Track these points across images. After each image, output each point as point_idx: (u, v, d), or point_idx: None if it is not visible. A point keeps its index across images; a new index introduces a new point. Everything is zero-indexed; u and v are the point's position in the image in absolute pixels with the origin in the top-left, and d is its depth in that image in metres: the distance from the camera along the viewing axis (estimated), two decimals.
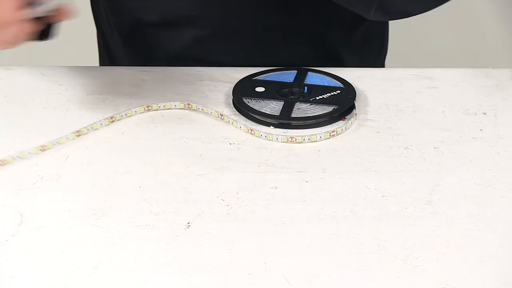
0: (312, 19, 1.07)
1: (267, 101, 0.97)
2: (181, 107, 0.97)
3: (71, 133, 0.91)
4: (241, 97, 0.98)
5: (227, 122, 0.93)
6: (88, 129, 0.92)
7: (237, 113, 0.97)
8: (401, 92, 1.01)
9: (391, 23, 1.24)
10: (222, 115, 0.94)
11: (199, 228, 0.78)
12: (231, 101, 0.99)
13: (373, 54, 1.21)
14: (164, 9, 1.07)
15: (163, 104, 0.97)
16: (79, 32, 1.56)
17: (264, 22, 1.06)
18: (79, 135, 0.92)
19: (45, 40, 0.93)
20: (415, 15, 0.98)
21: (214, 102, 0.99)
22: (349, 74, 1.03)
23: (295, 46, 1.09)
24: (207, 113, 0.96)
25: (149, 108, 0.96)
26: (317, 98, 0.97)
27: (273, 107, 0.96)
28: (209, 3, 1.05)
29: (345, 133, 0.93)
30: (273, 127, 0.94)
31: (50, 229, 0.78)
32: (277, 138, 0.90)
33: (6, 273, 0.73)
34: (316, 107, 0.96)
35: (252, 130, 0.90)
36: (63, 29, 0.96)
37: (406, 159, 0.88)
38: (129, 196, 0.83)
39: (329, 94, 0.98)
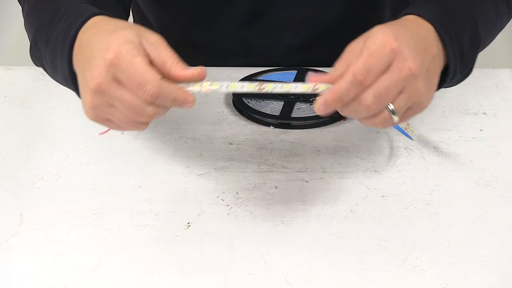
0: None
1: (267, 101, 0.97)
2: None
3: None
4: (241, 97, 0.98)
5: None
6: None
7: (237, 113, 0.97)
8: None
9: None
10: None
11: (199, 228, 0.78)
12: (231, 101, 0.99)
13: None
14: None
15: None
16: None
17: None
18: None
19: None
20: None
21: (214, 102, 0.99)
22: None
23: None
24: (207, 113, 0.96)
25: None
26: (317, 98, 0.97)
27: (273, 107, 0.96)
28: None
29: (345, 133, 0.93)
30: (273, 127, 0.94)
31: (50, 229, 0.78)
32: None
33: (6, 273, 0.73)
34: None
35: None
36: None
37: (406, 159, 0.88)
38: (129, 196, 0.83)
39: None
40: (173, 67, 0.69)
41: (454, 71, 0.78)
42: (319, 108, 0.70)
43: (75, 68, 0.75)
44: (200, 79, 0.70)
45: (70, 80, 0.75)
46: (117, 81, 0.69)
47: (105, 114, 0.71)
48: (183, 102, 0.70)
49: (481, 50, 0.86)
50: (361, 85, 0.68)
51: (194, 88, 0.70)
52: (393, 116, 0.70)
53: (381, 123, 0.71)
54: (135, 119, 0.71)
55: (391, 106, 0.70)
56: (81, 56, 0.73)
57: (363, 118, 0.71)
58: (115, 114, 0.71)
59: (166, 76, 0.69)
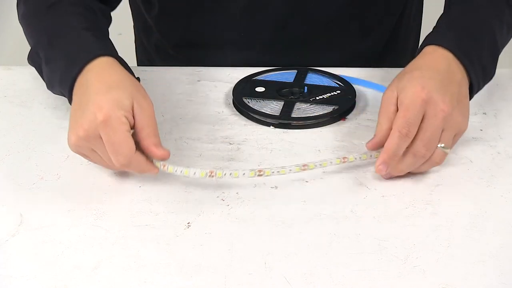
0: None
1: (267, 101, 0.97)
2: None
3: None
4: (241, 97, 0.98)
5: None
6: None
7: (237, 113, 0.97)
8: None
9: None
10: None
11: (199, 228, 0.78)
12: (231, 101, 0.99)
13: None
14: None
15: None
16: None
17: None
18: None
19: None
20: None
21: (214, 102, 0.99)
22: (349, 74, 1.03)
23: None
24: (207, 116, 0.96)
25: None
26: (317, 98, 0.97)
27: (273, 107, 0.96)
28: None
29: (345, 133, 0.93)
30: (273, 127, 0.94)
31: (50, 229, 0.78)
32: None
33: (6, 273, 0.73)
34: (316, 107, 0.96)
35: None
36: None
37: None
38: (129, 196, 0.83)
39: (329, 94, 0.98)
40: (145, 138, 0.81)
41: (478, 85, 0.86)
42: (380, 169, 0.81)
43: (73, 93, 0.84)
44: (161, 159, 0.81)
45: (69, 98, 0.85)
46: (101, 137, 0.79)
47: (85, 153, 0.82)
48: (148, 172, 0.82)
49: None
50: (408, 137, 0.80)
51: (156, 164, 0.82)
52: (445, 150, 0.82)
53: (439, 160, 0.82)
54: (111, 167, 0.83)
55: (441, 145, 0.81)
56: (80, 95, 0.82)
57: (422, 164, 0.82)
58: (94, 157, 0.82)
59: (140, 141, 0.80)
